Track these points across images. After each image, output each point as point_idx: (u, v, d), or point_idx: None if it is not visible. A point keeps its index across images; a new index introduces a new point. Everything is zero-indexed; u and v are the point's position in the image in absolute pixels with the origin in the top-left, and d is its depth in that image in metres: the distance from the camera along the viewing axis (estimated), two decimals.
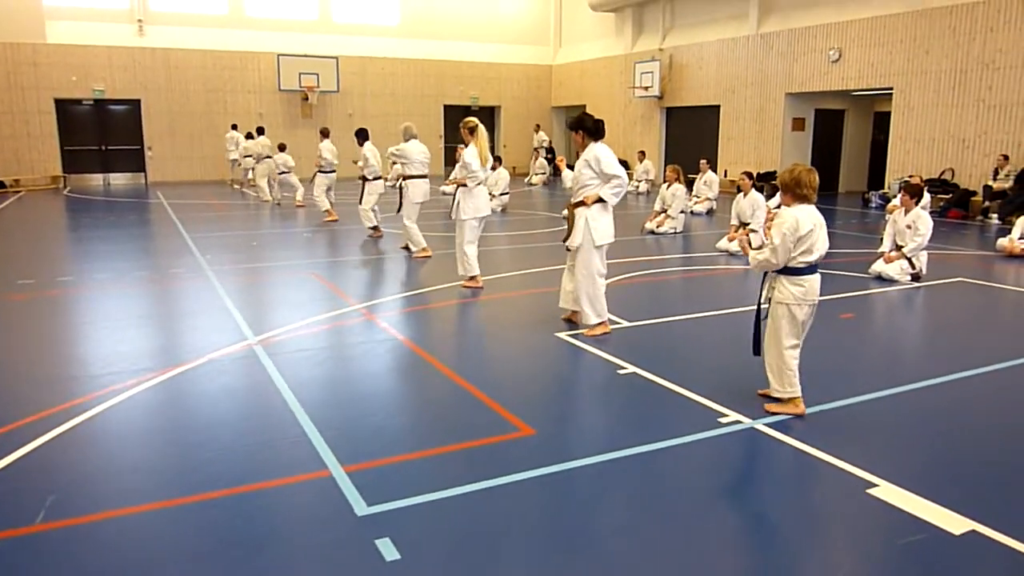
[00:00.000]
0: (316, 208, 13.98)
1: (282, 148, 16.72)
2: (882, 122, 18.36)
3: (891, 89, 15.94)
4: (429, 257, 9.60)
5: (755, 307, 4.62)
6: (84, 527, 3.18)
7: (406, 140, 9.64)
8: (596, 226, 5.92)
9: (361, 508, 3.29)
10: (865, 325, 6.83)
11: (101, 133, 21.94)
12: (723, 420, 4.30)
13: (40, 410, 4.40)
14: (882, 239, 8.93)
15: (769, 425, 4.22)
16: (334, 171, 13.76)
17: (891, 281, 8.20)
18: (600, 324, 6.06)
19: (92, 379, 4.97)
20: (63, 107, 21.06)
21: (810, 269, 4.31)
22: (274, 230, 12.60)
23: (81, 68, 20.82)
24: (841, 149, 19.47)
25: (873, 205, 16.12)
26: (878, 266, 8.40)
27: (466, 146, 7.86)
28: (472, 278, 7.88)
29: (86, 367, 5.28)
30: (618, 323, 6.46)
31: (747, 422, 4.27)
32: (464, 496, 3.42)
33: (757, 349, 4.59)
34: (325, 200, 13.53)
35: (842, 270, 8.85)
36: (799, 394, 4.41)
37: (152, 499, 3.41)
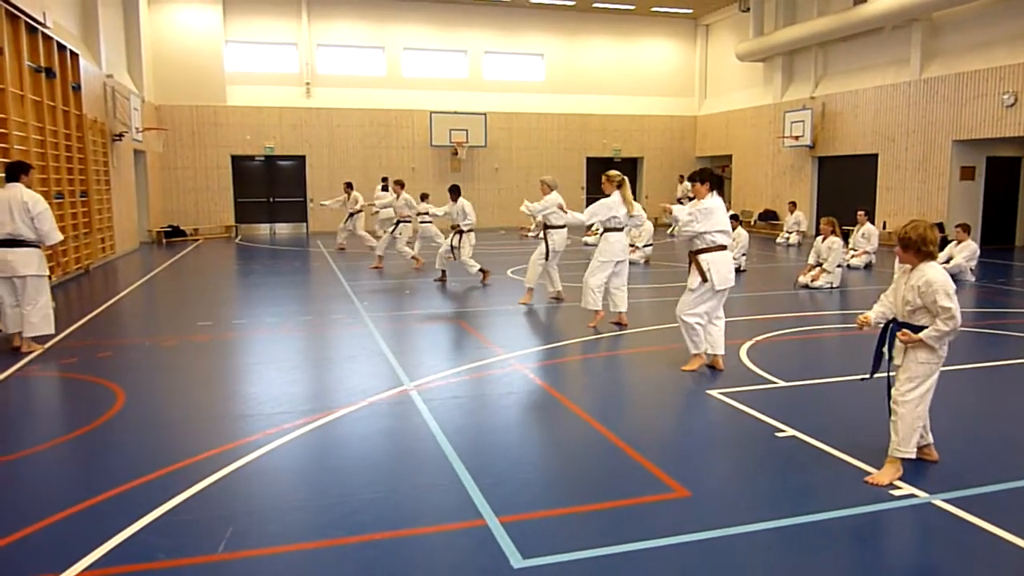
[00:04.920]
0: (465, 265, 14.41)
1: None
2: None
3: None
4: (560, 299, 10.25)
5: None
6: (259, 560, 3.37)
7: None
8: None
9: (517, 560, 3.30)
10: None
11: (269, 186, 23.81)
12: (895, 492, 4.00)
13: (220, 445, 4.75)
14: None
15: (949, 501, 3.89)
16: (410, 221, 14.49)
17: None
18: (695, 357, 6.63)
19: (265, 418, 5.32)
20: (237, 163, 23.05)
21: None
22: (424, 280, 13.07)
23: (255, 127, 22.79)
24: (1018, 199, 17.99)
25: None
26: None
27: (608, 195, 8.36)
28: (596, 312, 8.46)
29: (260, 406, 5.66)
30: (774, 383, 6.21)
31: (923, 496, 3.95)
32: (621, 556, 3.35)
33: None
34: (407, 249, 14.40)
35: None
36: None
37: (319, 537, 3.58)
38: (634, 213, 8.36)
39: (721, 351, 6.62)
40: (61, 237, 7.68)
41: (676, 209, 6.55)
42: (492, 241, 15.60)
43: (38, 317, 7.39)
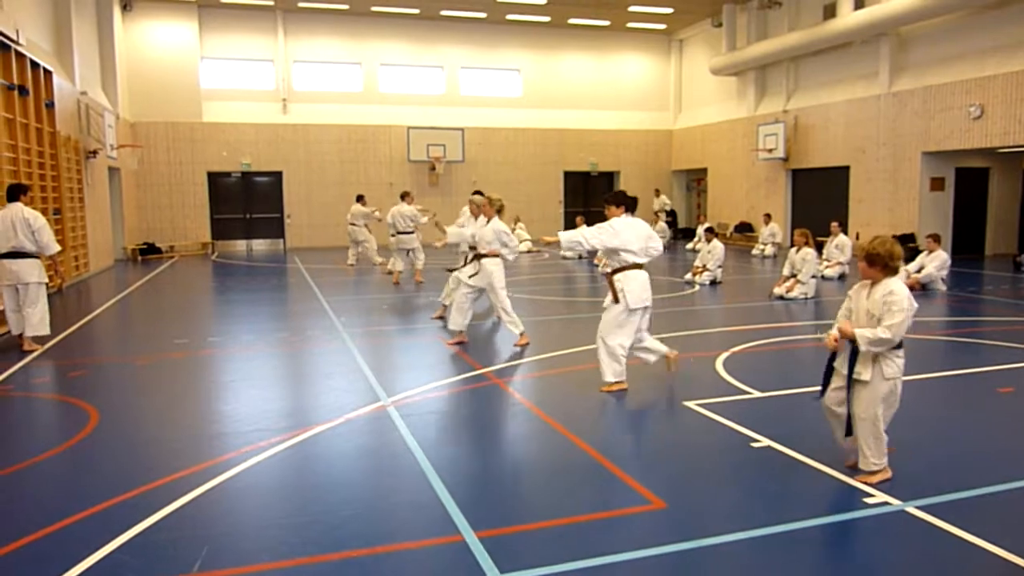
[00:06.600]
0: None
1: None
2: None
3: None
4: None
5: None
6: None
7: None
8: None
9: (495, 575, 3.30)
10: None
11: (246, 202, 23.69)
12: (869, 500, 4.06)
13: (196, 463, 4.71)
14: None
15: (922, 508, 3.94)
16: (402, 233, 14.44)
17: None
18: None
19: (242, 435, 5.28)
20: (214, 179, 22.92)
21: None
22: (402, 294, 13.05)
23: (231, 144, 22.69)
24: (986, 209, 18.34)
25: None
26: None
27: (488, 220, 8.45)
28: (522, 334, 8.41)
29: (236, 424, 5.62)
30: (749, 393, 6.27)
31: (896, 504, 4.01)
32: (598, 569, 3.36)
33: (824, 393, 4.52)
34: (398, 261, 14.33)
35: (997, 340, 8.25)
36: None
37: (296, 555, 3.55)
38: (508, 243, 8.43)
39: (664, 351, 6.66)
40: (59, 248, 8.63)
41: (568, 234, 6.49)
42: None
43: (37, 319, 8.35)
